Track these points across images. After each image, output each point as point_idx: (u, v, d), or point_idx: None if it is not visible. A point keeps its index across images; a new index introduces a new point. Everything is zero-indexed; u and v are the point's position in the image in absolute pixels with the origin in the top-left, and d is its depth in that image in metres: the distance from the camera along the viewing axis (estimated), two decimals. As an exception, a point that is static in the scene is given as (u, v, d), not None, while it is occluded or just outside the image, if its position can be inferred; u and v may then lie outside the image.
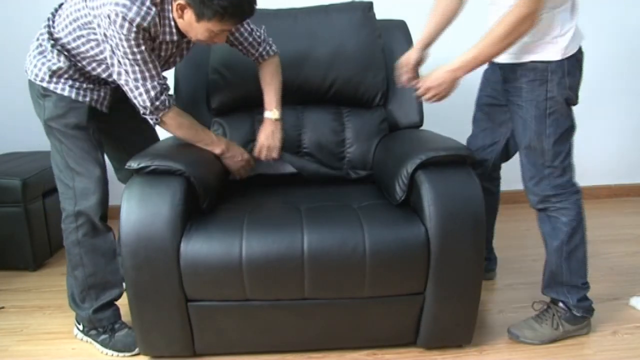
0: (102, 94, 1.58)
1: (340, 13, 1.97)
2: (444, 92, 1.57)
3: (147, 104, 1.48)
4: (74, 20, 1.47)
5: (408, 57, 1.77)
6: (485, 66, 1.80)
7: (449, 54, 1.93)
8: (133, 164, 1.47)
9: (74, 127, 1.53)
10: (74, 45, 1.49)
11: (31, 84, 1.55)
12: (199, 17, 1.39)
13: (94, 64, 1.52)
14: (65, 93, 1.51)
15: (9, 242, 2.18)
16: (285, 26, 1.95)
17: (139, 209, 1.42)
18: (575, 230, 1.62)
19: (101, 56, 1.49)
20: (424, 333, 1.57)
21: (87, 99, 1.55)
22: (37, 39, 1.54)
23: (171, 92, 1.52)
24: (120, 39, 1.37)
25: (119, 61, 1.42)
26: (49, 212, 2.28)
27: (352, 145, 1.95)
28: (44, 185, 2.26)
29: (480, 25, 1.66)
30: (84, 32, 1.46)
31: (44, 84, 1.51)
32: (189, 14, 1.40)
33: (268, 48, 1.74)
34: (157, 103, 1.49)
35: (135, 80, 1.44)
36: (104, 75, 1.55)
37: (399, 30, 2.07)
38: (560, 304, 1.68)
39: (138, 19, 1.36)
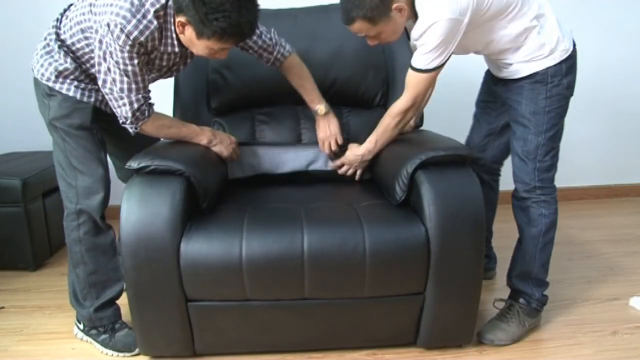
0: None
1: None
2: (355, 169, 1.84)
3: (129, 114, 1.49)
4: (78, 24, 1.48)
5: None
6: (485, 67, 1.82)
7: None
8: (133, 164, 1.47)
9: (78, 127, 1.53)
10: (78, 46, 1.50)
11: (37, 82, 1.56)
12: (199, 35, 1.39)
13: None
14: (71, 93, 1.52)
15: (9, 242, 2.18)
16: (285, 26, 1.94)
17: (139, 209, 1.42)
18: (552, 224, 1.67)
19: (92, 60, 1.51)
20: (424, 333, 1.57)
21: (92, 99, 1.55)
22: (45, 39, 1.55)
23: (152, 100, 1.54)
24: (115, 49, 1.38)
25: (108, 69, 1.43)
26: (49, 212, 2.28)
27: (352, 145, 1.95)
28: (44, 185, 2.26)
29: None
30: (87, 34, 1.47)
31: (50, 84, 1.52)
32: (189, 31, 1.41)
33: (282, 50, 1.74)
34: (138, 114, 1.50)
35: (121, 90, 1.45)
36: None
37: (399, 30, 2.06)
38: (522, 300, 1.70)
39: (136, 33, 1.37)
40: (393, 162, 1.66)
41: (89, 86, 1.55)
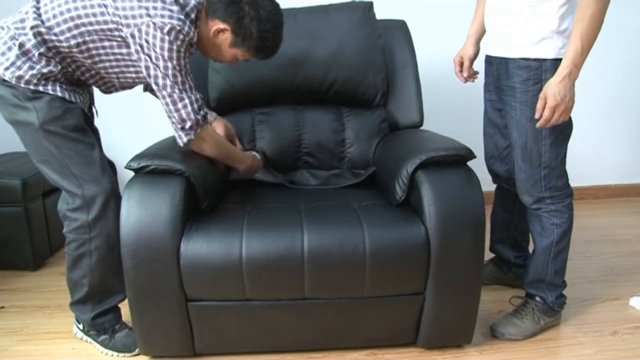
0: (86, 97, 1.55)
1: (340, 13, 1.97)
2: (570, 103, 1.43)
3: (192, 116, 1.44)
4: (80, 26, 1.39)
5: (465, 53, 1.79)
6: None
7: (451, 51, 1.93)
8: (133, 164, 1.47)
9: (74, 128, 1.46)
10: (75, 50, 1.42)
11: (10, 86, 1.41)
12: (234, 44, 1.47)
13: (91, 70, 1.49)
14: (59, 94, 1.44)
15: (9, 242, 2.18)
16: (285, 26, 1.94)
17: (139, 209, 1.42)
18: (565, 232, 1.63)
19: (102, 64, 1.47)
20: (424, 333, 1.57)
21: (78, 101, 1.49)
22: (14, 38, 1.39)
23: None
24: (171, 51, 1.37)
25: (166, 72, 1.39)
26: (49, 212, 2.28)
27: (352, 145, 1.95)
28: (44, 185, 2.26)
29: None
30: (95, 37, 1.41)
31: (31, 87, 1.40)
32: (224, 38, 1.47)
33: None
34: (199, 116, 1.47)
35: (180, 91, 1.42)
36: (91, 81, 1.53)
37: (399, 30, 2.06)
38: (537, 298, 1.70)
39: (191, 34, 1.41)
40: (393, 162, 1.66)
41: (70, 87, 1.49)
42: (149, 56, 1.37)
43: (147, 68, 1.39)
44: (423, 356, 1.61)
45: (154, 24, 1.34)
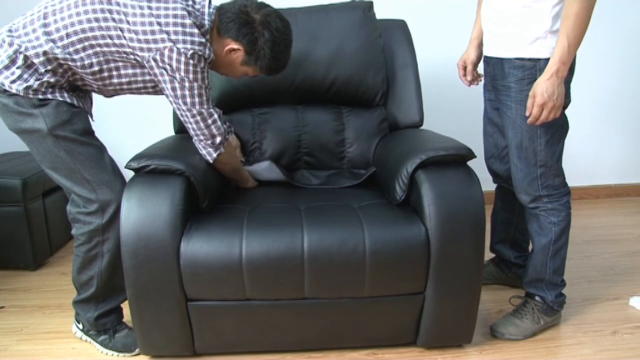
0: (88, 101, 1.55)
1: (340, 13, 1.97)
2: (559, 101, 1.43)
3: (221, 130, 1.53)
4: (95, 46, 1.39)
5: (467, 57, 1.80)
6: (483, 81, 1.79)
7: (454, 52, 1.93)
8: (133, 164, 1.47)
9: (83, 132, 1.45)
10: (89, 71, 1.42)
11: (12, 95, 1.39)
12: (246, 63, 1.51)
13: (95, 85, 1.48)
14: (67, 99, 1.44)
15: (9, 242, 2.18)
16: (285, 26, 1.95)
17: (139, 209, 1.42)
18: (563, 230, 1.63)
19: (112, 86, 1.48)
20: (424, 333, 1.57)
21: (82, 105, 1.49)
22: (19, 52, 1.37)
23: None
24: (195, 73, 1.41)
25: (192, 93, 1.43)
26: (49, 212, 2.28)
27: (352, 145, 1.95)
28: (44, 185, 2.25)
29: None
30: (110, 57, 1.41)
31: (39, 96, 1.39)
32: (238, 57, 1.50)
33: None
34: (225, 126, 1.54)
35: (208, 107, 1.48)
36: (90, 89, 1.53)
37: (399, 30, 2.07)
38: (537, 297, 1.70)
39: (211, 55, 1.44)
40: (393, 162, 1.66)
41: (77, 93, 1.49)
42: (175, 78, 1.41)
43: (173, 89, 1.42)
44: (423, 356, 1.61)
45: (178, 49, 1.37)
